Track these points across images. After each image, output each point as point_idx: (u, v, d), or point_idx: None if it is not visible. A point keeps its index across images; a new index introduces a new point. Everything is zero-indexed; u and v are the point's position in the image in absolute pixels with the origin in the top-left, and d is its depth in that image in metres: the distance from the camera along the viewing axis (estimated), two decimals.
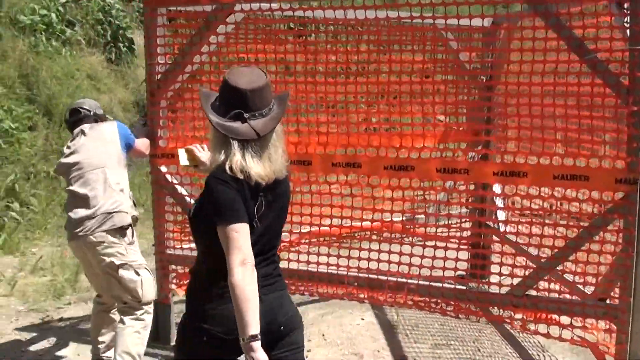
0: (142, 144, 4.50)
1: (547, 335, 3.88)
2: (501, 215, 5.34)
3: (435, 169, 3.96)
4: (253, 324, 2.25)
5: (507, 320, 3.98)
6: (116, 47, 10.80)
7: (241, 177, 2.39)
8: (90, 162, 4.13)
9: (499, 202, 5.27)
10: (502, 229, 5.16)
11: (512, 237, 4.58)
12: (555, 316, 3.83)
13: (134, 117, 10.74)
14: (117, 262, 4.01)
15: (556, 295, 3.83)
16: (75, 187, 4.11)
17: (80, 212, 4.03)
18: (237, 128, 2.42)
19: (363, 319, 5.28)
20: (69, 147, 4.23)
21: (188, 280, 2.71)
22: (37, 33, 9.59)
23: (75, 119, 4.35)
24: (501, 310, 4.02)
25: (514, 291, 3.86)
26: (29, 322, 5.33)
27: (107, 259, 4.00)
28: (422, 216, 5.83)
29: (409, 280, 4.06)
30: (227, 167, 2.40)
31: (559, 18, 3.57)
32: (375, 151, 4.33)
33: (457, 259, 4.08)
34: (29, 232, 7.56)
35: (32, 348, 4.85)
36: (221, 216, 2.36)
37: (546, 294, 3.84)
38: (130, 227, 4.12)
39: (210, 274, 2.47)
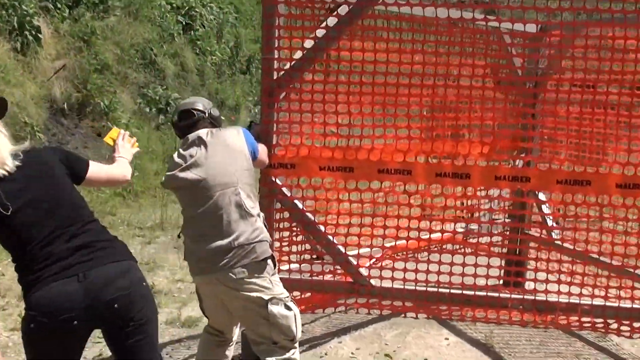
0: (264, 151, 3.79)
1: None
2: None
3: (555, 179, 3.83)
4: None
5: None
6: (22, 35, 9.35)
7: None
8: (220, 180, 3.36)
9: None
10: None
11: None
12: None
13: (46, 114, 9.44)
14: (266, 297, 3.35)
15: None
16: (201, 211, 3.35)
17: (212, 244, 3.31)
18: None
19: (448, 339, 4.94)
20: (183, 157, 3.42)
21: None
22: None
23: (189, 122, 3.57)
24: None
25: None
26: None
27: (253, 295, 3.34)
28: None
29: (582, 301, 3.85)
30: None
31: None
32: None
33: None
34: None
35: None
36: None
37: None
38: (272, 257, 3.45)
39: (16, 267, 2.58)
